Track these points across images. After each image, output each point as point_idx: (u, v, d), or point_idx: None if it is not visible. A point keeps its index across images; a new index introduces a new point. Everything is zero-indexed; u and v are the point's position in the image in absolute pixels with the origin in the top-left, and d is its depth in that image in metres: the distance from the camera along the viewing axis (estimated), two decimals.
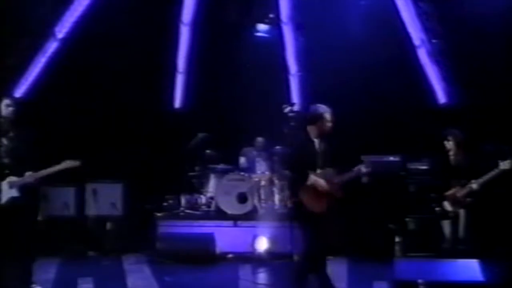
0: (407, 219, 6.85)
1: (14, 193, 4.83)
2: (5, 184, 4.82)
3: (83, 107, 7.81)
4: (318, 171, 5.04)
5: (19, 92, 7.52)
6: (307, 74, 8.30)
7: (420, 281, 4.47)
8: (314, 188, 5.01)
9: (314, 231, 5.01)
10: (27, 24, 7.19)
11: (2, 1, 6.48)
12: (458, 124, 7.05)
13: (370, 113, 7.76)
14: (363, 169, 5.20)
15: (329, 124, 5.08)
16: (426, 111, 7.69)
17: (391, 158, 7.26)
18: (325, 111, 5.11)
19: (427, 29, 7.61)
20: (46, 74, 7.57)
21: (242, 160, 7.99)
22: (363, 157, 7.24)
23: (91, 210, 7.20)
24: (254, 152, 7.99)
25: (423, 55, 7.71)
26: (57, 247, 6.75)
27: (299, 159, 5.11)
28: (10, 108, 4.90)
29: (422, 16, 7.56)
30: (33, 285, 5.00)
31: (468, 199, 5.91)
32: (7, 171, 4.81)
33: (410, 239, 6.82)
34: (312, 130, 5.06)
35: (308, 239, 5.02)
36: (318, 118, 5.06)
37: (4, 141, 4.86)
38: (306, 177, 5.02)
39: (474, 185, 5.80)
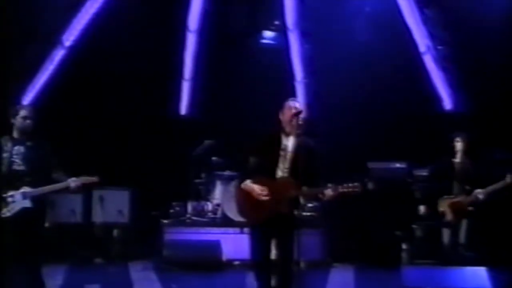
0: (413, 226, 6.84)
1: (27, 203, 4.77)
2: (18, 194, 4.76)
3: (89, 114, 7.86)
4: (282, 173, 4.46)
5: (26, 99, 7.60)
6: (313, 81, 8.31)
7: None
8: (248, 195, 4.44)
9: (253, 241, 4.57)
10: (35, 31, 7.26)
11: (10, 8, 6.54)
12: (464, 131, 7.10)
13: (376, 120, 7.76)
14: (330, 192, 4.34)
15: (292, 111, 4.47)
16: (432, 118, 7.69)
17: (397, 165, 7.30)
18: (290, 99, 4.65)
19: (433, 36, 7.62)
20: (53, 81, 7.64)
21: None
22: (369, 164, 7.38)
23: (98, 217, 7.25)
24: None
25: (429, 61, 7.71)
26: (64, 254, 6.80)
27: (248, 155, 4.55)
28: (28, 121, 4.82)
29: (428, 22, 7.58)
30: None
31: (471, 208, 5.86)
32: (25, 180, 4.75)
33: (417, 246, 6.82)
34: (280, 123, 4.56)
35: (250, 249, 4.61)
36: (280, 109, 4.59)
37: (21, 149, 4.79)
38: (243, 179, 4.49)
39: (480, 195, 5.76)
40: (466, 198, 5.85)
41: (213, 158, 7.85)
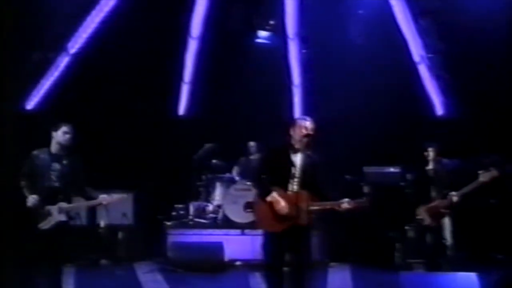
0: (406, 227, 7.16)
1: (62, 217, 5.05)
2: (55, 208, 5.02)
3: (92, 118, 8.00)
4: (294, 187, 4.71)
5: (30, 104, 7.74)
6: (310, 85, 8.54)
7: None
8: (271, 206, 4.69)
9: (269, 247, 4.79)
10: (41, 38, 7.36)
11: (16, 15, 6.65)
12: (455, 135, 7.43)
13: (371, 125, 8.03)
14: (346, 205, 4.66)
15: (302, 132, 4.71)
16: (425, 123, 8.00)
17: (392, 169, 7.61)
18: (301, 118, 4.90)
19: (427, 45, 7.88)
20: (56, 87, 7.77)
21: (236, 169, 8.19)
22: (365, 168, 7.68)
23: (103, 219, 7.43)
24: (251, 158, 8.18)
25: (423, 69, 7.99)
26: (71, 256, 6.98)
27: (264, 169, 4.83)
28: (68, 136, 5.05)
29: (422, 32, 7.83)
30: None
31: (447, 211, 6.10)
32: (60, 196, 5.00)
33: (409, 246, 7.14)
34: (289, 138, 4.80)
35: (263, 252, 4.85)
36: (291, 124, 4.81)
37: (57, 166, 5.01)
38: (265, 191, 4.71)
39: (454, 197, 5.95)
40: (442, 201, 6.07)
41: (214, 161, 8.10)
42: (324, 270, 6.97)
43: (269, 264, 4.88)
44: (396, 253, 7.17)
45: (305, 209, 4.68)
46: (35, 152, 5.08)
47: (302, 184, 4.72)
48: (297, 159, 4.78)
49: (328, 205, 4.74)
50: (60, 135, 5.05)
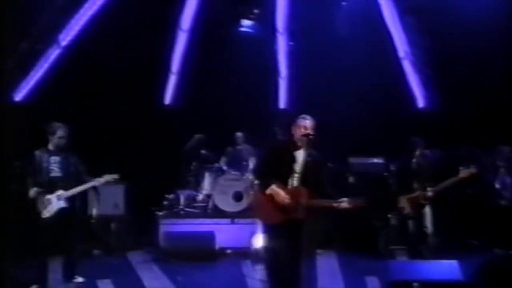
0: (389, 215, 7.48)
1: (62, 204, 5.78)
2: (54, 196, 5.74)
3: (82, 109, 8.03)
4: (294, 183, 4.83)
5: (19, 95, 7.70)
6: (296, 77, 8.72)
7: (415, 284, 5.04)
8: (270, 198, 4.80)
9: (268, 237, 4.95)
10: (32, 30, 7.32)
11: (11, 7, 6.59)
12: (435, 128, 7.76)
13: (357, 118, 8.30)
14: (345, 204, 4.77)
15: (302, 131, 4.86)
16: (407, 115, 8.31)
17: (375, 160, 7.91)
18: (301, 117, 4.96)
19: (411, 41, 8.16)
20: (46, 78, 7.75)
21: (223, 159, 8.35)
22: (350, 159, 7.95)
23: (95, 210, 7.52)
24: (238, 148, 8.36)
25: (406, 64, 8.28)
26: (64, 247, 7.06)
27: (266, 164, 4.95)
28: (63, 140, 5.82)
29: (407, 29, 8.09)
30: (76, 276, 6.05)
31: (427, 202, 6.49)
32: (60, 184, 5.73)
33: (392, 233, 7.48)
34: (291, 136, 4.92)
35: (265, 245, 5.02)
36: (291, 123, 4.94)
37: (58, 159, 5.78)
38: (265, 184, 4.82)
39: (429, 193, 6.39)
40: (422, 193, 6.47)
41: (202, 151, 8.23)
42: (313, 257, 7.22)
43: (268, 254, 5.03)
44: (379, 240, 7.51)
45: (303, 204, 4.76)
46: (36, 152, 5.81)
47: (303, 181, 4.85)
48: (299, 156, 4.92)
49: (326, 203, 4.83)
50: (56, 140, 5.81)
